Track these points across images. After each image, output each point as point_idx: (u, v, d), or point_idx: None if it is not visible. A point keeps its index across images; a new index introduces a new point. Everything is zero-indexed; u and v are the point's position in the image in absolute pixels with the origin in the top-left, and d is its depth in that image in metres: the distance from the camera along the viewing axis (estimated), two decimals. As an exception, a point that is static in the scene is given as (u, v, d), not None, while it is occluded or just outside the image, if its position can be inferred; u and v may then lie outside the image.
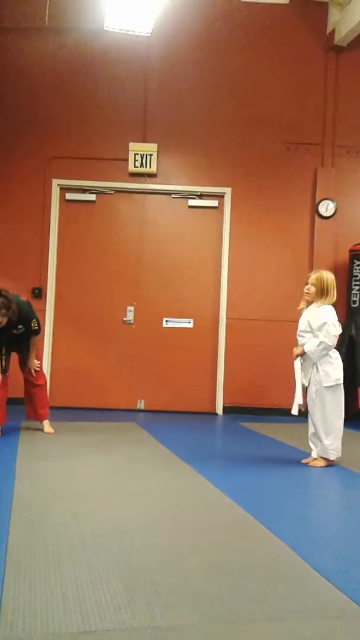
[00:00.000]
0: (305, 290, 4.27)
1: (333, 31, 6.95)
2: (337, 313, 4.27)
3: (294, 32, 7.10)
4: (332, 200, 6.98)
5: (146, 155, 6.83)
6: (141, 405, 6.92)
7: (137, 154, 6.83)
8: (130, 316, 6.97)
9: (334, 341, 4.13)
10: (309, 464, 4.22)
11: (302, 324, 4.26)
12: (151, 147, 6.84)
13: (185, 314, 7.04)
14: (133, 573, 2.19)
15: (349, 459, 4.39)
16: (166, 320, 7.00)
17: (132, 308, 6.98)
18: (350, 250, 6.81)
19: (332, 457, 4.16)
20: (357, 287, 6.69)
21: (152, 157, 6.83)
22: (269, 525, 2.81)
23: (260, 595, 2.03)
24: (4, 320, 4.49)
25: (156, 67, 6.96)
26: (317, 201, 7.00)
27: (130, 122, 6.94)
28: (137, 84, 6.95)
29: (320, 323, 4.11)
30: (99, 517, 2.86)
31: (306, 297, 4.28)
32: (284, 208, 7.04)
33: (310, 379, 4.19)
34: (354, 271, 6.73)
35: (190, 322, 7.03)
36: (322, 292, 4.19)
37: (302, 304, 4.33)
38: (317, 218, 7.02)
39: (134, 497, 3.28)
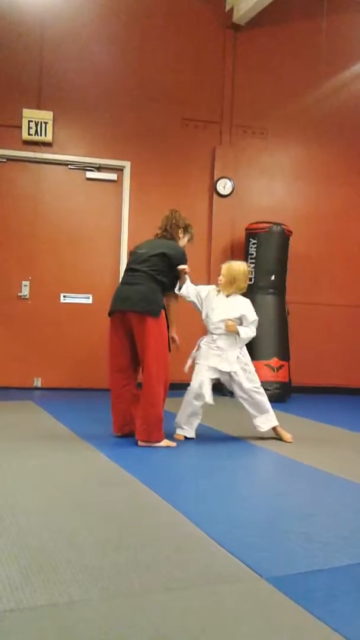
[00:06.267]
0: (218, 280, 4.42)
1: (232, 9, 6.99)
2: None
3: (194, 7, 7.06)
4: (229, 179, 7.10)
5: (41, 122, 6.55)
6: (38, 383, 6.75)
7: (32, 121, 6.53)
8: (25, 291, 6.73)
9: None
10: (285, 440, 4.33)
11: (218, 313, 4.34)
12: (46, 115, 6.57)
13: (84, 290, 6.92)
14: (29, 552, 2.14)
15: (237, 428, 4.55)
16: (64, 296, 6.84)
17: (27, 283, 6.74)
18: (246, 229, 6.99)
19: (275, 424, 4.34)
20: (252, 265, 6.89)
21: (47, 125, 6.56)
22: (167, 497, 2.85)
23: (156, 567, 2.06)
24: None
25: (53, 32, 6.66)
26: (215, 179, 7.09)
27: (25, 88, 6.62)
28: (33, 47, 6.62)
29: (246, 314, 4.28)
30: (-8, 498, 2.76)
31: (218, 286, 4.43)
32: (184, 185, 7.07)
33: (236, 360, 4.29)
34: (250, 249, 6.93)
35: (89, 298, 6.92)
36: (230, 283, 4.38)
37: (218, 288, 4.45)
38: (215, 196, 7.12)
39: (29, 476, 3.20)
